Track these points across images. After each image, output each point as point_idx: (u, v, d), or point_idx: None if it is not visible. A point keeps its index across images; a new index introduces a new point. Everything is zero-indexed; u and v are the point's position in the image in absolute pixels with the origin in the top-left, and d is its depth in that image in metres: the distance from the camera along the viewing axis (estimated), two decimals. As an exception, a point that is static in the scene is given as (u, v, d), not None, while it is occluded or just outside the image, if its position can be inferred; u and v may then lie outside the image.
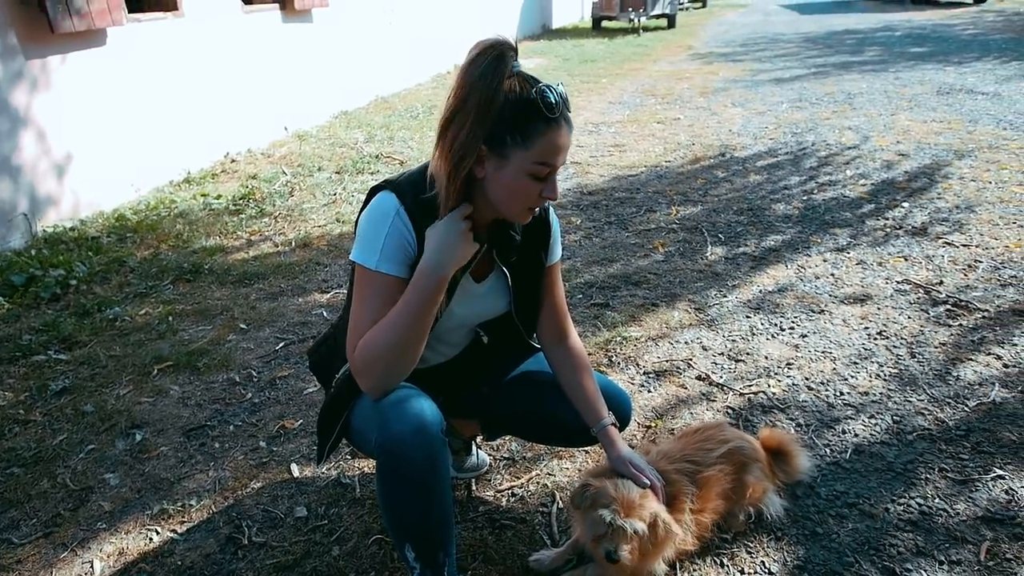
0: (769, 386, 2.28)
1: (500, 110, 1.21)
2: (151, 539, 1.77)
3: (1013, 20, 12.57)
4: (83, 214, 4.15)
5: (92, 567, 1.69)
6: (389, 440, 1.26)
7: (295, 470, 1.99)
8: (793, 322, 2.67)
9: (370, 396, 1.33)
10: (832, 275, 3.04)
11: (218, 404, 2.34)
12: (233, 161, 5.40)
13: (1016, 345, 2.42)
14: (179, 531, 1.79)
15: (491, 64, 1.20)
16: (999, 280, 2.88)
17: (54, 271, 3.31)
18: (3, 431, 2.22)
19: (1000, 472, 1.84)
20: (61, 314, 2.99)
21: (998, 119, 5.45)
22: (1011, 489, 1.79)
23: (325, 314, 2.94)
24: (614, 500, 1.36)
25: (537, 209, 1.35)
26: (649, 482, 1.42)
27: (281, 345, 2.70)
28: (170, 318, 2.94)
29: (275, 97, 6.02)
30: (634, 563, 1.38)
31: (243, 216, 4.17)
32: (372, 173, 4.94)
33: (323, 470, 1.99)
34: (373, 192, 1.37)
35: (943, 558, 1.60)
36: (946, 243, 3.27)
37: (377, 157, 5.30)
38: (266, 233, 3.92)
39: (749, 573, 1.59)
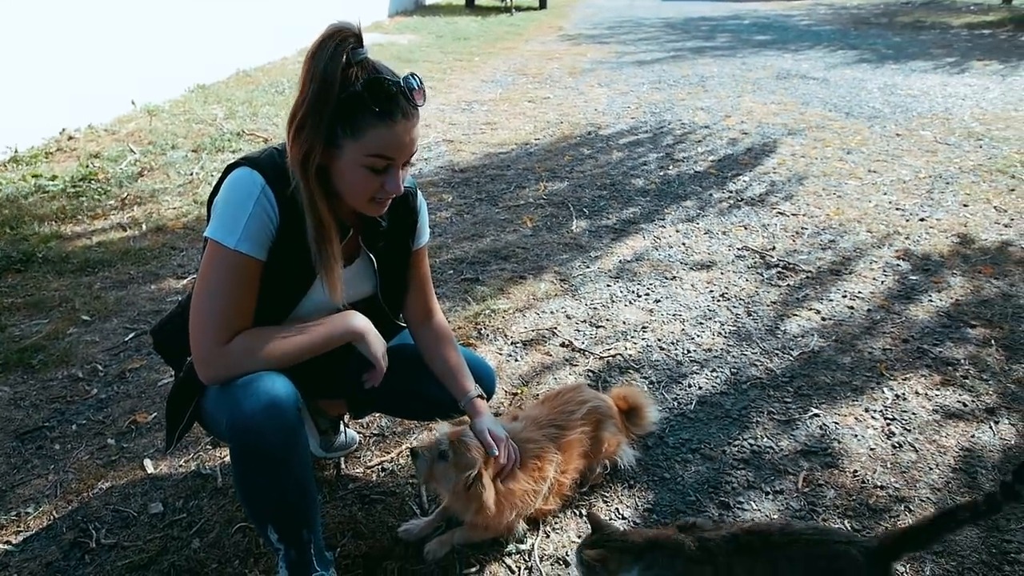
0: (626, 348, 2.45)
1: (336, 101, 1.20)
2: (-20, 553, 1.62)
3: (841, 13, 14.00)
4: None
5: (-94, 591, 1.52)
6: (241, 419, 1.23)
7: (149, 466, 1.89)
8: (648, 288, 2.87)
9: (211, 384, 1.30)
10: (683, 244, 3.29)
11: (57, 403, 2.15)
12: (71, 138, 4.87)
13: (832, 300, 2.76)
14: (14, 542, 1.65)
15: (330, 53, 1.19)
16: (820, 244, 3.26)
17: None
18: None
19: (816, 411, 2.11)
20: None
21: (825, 102, 6.09)
22: (824, 425, 2.06)
23: (181, 300, 2.76)
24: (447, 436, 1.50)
25: (387, 200, 1.34)
26: (498, 452, 1.49)
27: (131, 336, 2.52)
28: (-4, 313, 2.65)
29: (120, 67, 5.46)
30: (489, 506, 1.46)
31: (83, 199, 3.79)
32: (233, 151, 4.66)
33: (181, 463, 1.90)
34: (230, 169, 1.32)
35: (768, 489, 1.82)
36: (779, 212, 3.64)
37: (239, 135, 5.01)
38: (112, 217, 3.60)
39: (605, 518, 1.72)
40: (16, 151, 4.48)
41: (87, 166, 4.27)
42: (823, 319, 2.63)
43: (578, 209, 3.73)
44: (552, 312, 2.69)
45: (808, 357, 2.39)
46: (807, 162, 4.45)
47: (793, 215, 3.61)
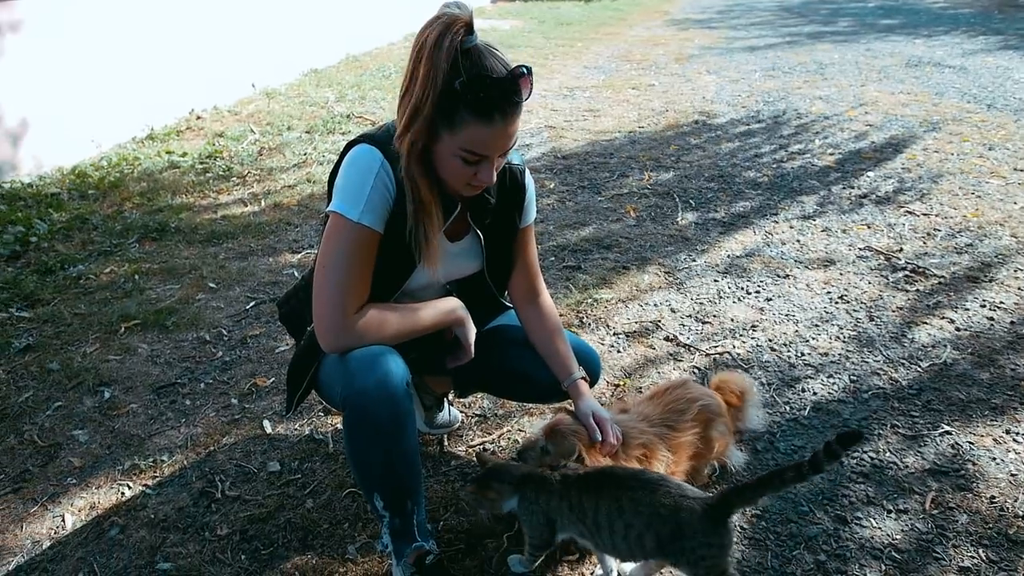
0: (734, 347, 2.35)
1: (439, 92, 1.19)
2: (123, 493, 1.77)
3: (983, -5, 12.72)
4: (42, 170, 4.01)
5: (63, 521, 1.69)
6: (353, 394, 1.28)
7: (267, 426, 2.00)
8: (759, 286, 2.74)
9: (332, 353, 1.34)
10: (798, 241, 3.11)
11: (188, 362, 2.32)
12: (199, 118, 5.24)
13: (968, 310, 2.52)
14: (151, 485, 1.80)
15: (438, 42, 1.17)
16: (955, 248, 2.99)
17: (13, 228, 3.21)
18: (-35, 388, 2.18)
19: (948, 428, 1.94)
20: (22, 272, 2.91)
21: (963, 92, 5.56)
22: (957, 444, 1.89)
23: (296, 274, 2.91)
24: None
25: (481, 187, 1.33)
26: (601, 438, 1.46)
27: (252, 304, 2.68)
28: (136, 277, 2.89)
29: (243, 53, 5.82)
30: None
31: (210, 175, 4.07)
32: (343, 133, 4.85)
33: (296, 426, 2.00)
34: (350, 146, 1.36)
35: (891, 507, 1.69)
36: (908, 212, 3.36)
37: (348, 117, 5.20)
38: (235, 192, 3.84)
39: (710, 521, 1.66)
40: (152, 129, 4.87)
41: (213, 144, 4.58)
42: (957, 329, 2.41)
43: (684, 200, 3.60)
44: (656, 305, 2.62)
45: (939, 369, 2.20)
46: (941, 158, 4.08)
47: (924, 215, 3.32)
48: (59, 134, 4.12)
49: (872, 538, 1.60)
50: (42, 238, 3.19)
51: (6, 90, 3.78)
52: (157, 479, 1.82)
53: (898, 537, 1.60)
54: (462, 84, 1.17)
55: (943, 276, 2.76)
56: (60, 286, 2.81)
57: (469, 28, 1.19)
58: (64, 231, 3.29)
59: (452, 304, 1.47)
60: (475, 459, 1.53)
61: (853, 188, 3.69)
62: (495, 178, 1.31)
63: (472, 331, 1.49)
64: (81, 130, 4.30)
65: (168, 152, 4.42)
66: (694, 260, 2.96)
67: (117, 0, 4.54)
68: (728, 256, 2.99)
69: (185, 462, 1.88)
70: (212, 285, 2.83)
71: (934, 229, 3.17)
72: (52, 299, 2.71)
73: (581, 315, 2.55)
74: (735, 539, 1.58)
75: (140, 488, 1.79)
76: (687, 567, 1.30)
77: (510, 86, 1.20)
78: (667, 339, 2.40)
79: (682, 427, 1.59)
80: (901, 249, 2.99)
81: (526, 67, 1.22)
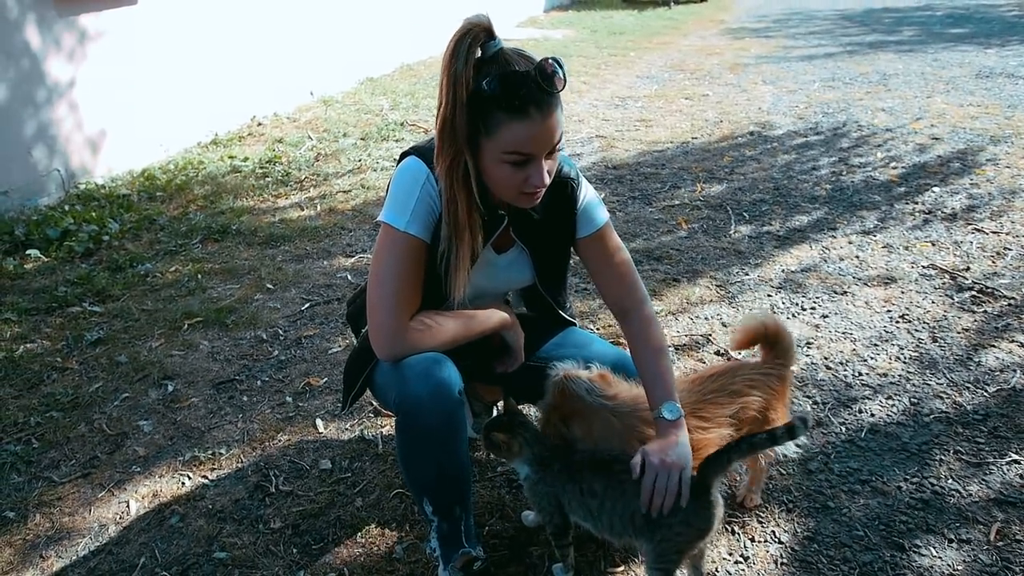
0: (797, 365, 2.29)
1: (468, 101, 1.19)
2: (183, 483, 1.85)
3: (1061, 2, 12.09)
4: (114, 172, 4.23)
5: (128, 507, 1.78)
6: (407, 399, 1.30)
7: (320, 425, 2.06)
8: (815, 302, 2.67)
9: (387, 361, 1.37)
10: (857, 257, 3.02)
11: (246, 360, 2.41)
12: (260, 124, 5.44)
13: (1041, 333, 2.40)
14: (210, 477, 1.87)
15: (458, 52, 1.17)
16: (1028, 268, 2.85)
17: (87, 227, 3.39)
18: (42, 377, 2.32)
19: (1016, 457, 1.85)
20: (95, 268, 3.07)
21: (1038, 105, 5.29)
22: (1026, 474, 1.80)
23: (350, 277, 2.99)
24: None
25: (538, 192, 1.29)
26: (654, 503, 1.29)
27: (307, 306, 2.76)
28: (199, 276, 3.01)
29: (302, 61, 6.02)
30: None
31: (269, 179, 4.21)
32: (397, 140, 4.95)
33: (347, 426, 2.05)
34: (403, 157, 1.40)
35: (952, 536, 1.62)
36: (976, 229, 3.22)
37: (402, 124, 5.31)
38: (292, 197, 3.97)
39: (759, 541, 1.63)
40: (216, 134, 5.08)
41: (273, 150, 4.75)
42: (1028, 353, 2.29)
43: (738, 213, 3.54)
44: (707, 318, 2.58)
45: (1008, 395, 2.10)
46: (1013, 174, 3.89)
47: (994, 233, 3.18)
48: (130, 138, 4.34)
49: (932, 568, 1.54)
50: (114, 237, 3.36)
51: (86, 95, 4.00)
52: (215, 471, 1.89)
53: (960, 568, 1.53)
54: (489, 83, 1.17)
55: (1014, 298, 2.63)
56: (129, 283, 2.95)
57: (490, 34, 1.20)
58: (134, 231, 3.47)
59: (501, 310, 1.49)
60: (503, 404, 1.48)
61: (917, 203, 3.55)
62: (548, 180, 1.28)
63: (521, 336, 1.50)
64: (151, 134, 4.52)
65: (231, 157, 4.60)
66: (747, 274, 2.91)
67: (185, 13, 4.76)
68: (783, 271, 2.93)
69: (242, 456, 1.95)
70: (269, 286, 2.93)
71: (1004, 248, 3.03)
72: (122, 295, 2.85)
73: (630, 326, 2.53)
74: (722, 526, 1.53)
75: (199, 479, 1.86)
76: (662, 542, 1.30)
77: (540, 77, 1.18)
78: (718, 353, 2.36)
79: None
80: (968, 268, 2.87)
81: (555, 58, 1.21)
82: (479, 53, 1.20)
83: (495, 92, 1.17)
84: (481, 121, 1.21)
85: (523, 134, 1.21)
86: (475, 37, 1.18)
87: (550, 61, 1.19)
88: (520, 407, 2.05)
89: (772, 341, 1.56)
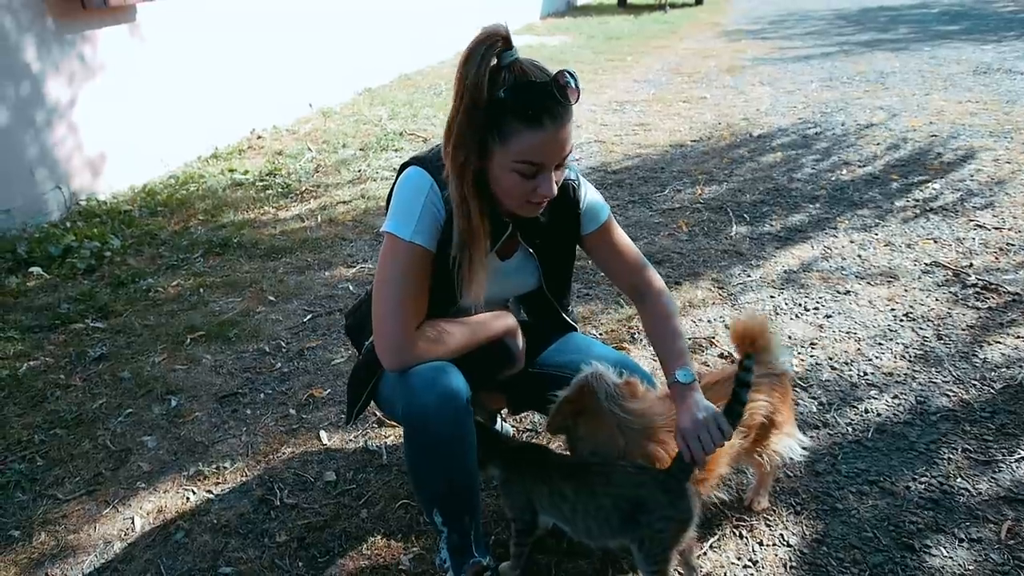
0: (791, 364, 2.28)
1: (484, 108, 1.20)
2: (188, 498, 1.85)
3: (1057, -4, 12.10)
4: (115, 188, 4.24)
5: (133, 523, 1.77)
6: (415, 410, 1.30)
7: (324, 437, 2.06)
8: (818, 302, 2.66)
9: (393, 372, 1.36)
10: (859, 255, 3.01)
11: (249, 373, 2.41)
12: (259, 137, 5.45)
13: (1046, 328, 2.39)
14: (214, 492, 1.86)
15: (477, 59, 1.18)
16: (1031, 263, 2.84)
17: (89, 243, 3.40)
18: (46, 394, 2.32)
19: (1025, 453, 1.84)
20: (97, 284, 3.08)
21: (1037, 99, 5.29)
22: (1035, 470, 1.78)
23: (351, 288, 2.99)
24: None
25: (543, 203, 1.32)
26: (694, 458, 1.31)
27: (309, 317, 2.76)
28: (201, 290, 3.02)
29: (300, 74, 6.04)
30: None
31: (270, 191, 4.23)
32: (396, 150, 4.96)
33: (351, 437, 2.05)
34: (403, 168, 1.39)
35: (963, 535, 1.61)
36: (977, 225, 3.21)
37: (401, 134, 5.32)
38: (292, 209, 3.98)
39: (768, 544, 1.62)
40: (216, 148, 5.10)
41: (272, 162, 4.76)
42: (1034, 349, 2.28)
43: (738, 214, 3.54)
44: (709, 321, 2.58)
45: (1015, 391, 2.09)
46: (1013, 168, 3.89)
47: (996, 228, 3.17)
48: (131, 154, 4.36)
49: (943, 568, 1.53)
50: (115, 253, 3.37)
51: (86, 112, 4.02)
52: (220, 485, 1.88)
53: (971, 568, 1.52)
54: (506, 92, 1.19)
55: (1017, 293, 2.62)
56: (131, 298, 2.96)
57: (507, 43, 1.21)
58: (135, 246, 3.47)
59: (504, 317, 1.49)
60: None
61: (918, 201, 3.55)
62: (555, 191, 1.30)
63: (522, 340, 1.50)
64: (151, 150, 4.54)
65: (231, 170, 4.62)
66: (748, 275, 2.90)
67: (184, 28, 4.79)
68: (784, 271, 2.92)
69: (246, 469, 1.94)
70: (271, 298, 2.93)
71: (1007, 244, 3.02)
72: (124, 311, 2.86)
73: (632, 331, 2.53)
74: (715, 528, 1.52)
75: (204, 494, 1.86)
76: (647, 542, 1.32)
77: (555, 89, 1.21)
78: (721, 356, 2.36)
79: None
80: (971, 264, 2.86)
81: (570, 71, 1.23)
82: (495, 61, 1.21)
83: (510, 101, 1.19)
84: (495, 128, 1.22)
85: (536, 144, 1.22)
86: (492, 45, 1.19)
87: (565, 73, 1.22)
88: (523, 414, 2.05)
89: (754, 342, 1.54)
